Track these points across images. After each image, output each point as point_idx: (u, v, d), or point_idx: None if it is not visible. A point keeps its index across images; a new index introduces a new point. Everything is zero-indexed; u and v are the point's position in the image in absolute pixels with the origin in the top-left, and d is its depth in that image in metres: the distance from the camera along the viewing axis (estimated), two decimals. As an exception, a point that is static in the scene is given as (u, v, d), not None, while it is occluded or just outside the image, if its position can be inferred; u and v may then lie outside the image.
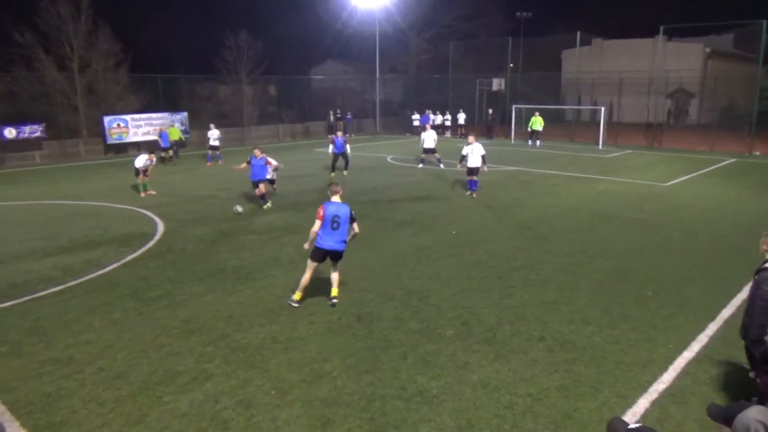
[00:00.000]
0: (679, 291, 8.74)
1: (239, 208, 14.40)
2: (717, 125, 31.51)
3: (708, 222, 13.28)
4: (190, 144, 30.01)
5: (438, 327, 7.44)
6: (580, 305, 8.16)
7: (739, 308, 7.92)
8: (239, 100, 36.16)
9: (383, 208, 14.79)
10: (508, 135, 33.66)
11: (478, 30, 44.60)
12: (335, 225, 7.86)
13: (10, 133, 24.93)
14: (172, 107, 30.36)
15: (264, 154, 14.89)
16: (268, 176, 15.54)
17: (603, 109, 31.27)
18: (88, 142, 28.09)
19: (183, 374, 6.26)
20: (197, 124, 31.90)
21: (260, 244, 11.53)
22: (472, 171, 16.15)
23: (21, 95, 28.66)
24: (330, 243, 7.90)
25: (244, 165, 15.03)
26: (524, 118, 33.95)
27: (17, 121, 25.75)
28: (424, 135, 22.25)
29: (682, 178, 19.66)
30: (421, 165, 22.30)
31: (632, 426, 2.58)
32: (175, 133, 25.95)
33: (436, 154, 21.96)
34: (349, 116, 38.49)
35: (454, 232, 12.27)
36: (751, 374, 5.90)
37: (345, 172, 20.65)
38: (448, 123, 37.09)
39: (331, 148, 20.74)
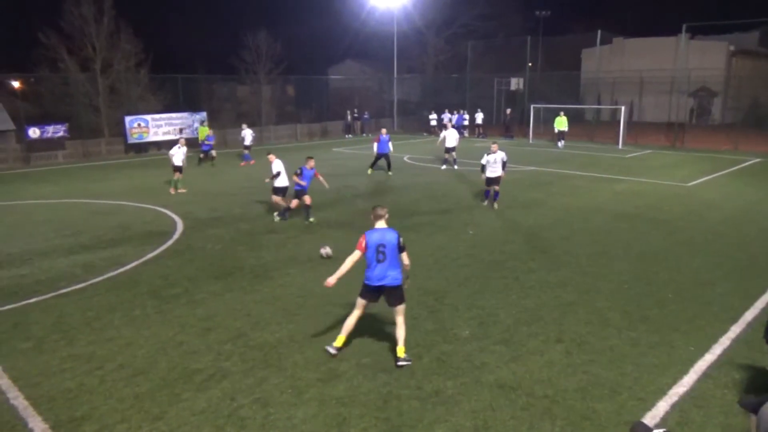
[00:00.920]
0: (700, 293, 8.59)
1: (325, 252, 10.65)
2: (741, 124, 30.94)
3: (731, 223, 13.04)
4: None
5: (454, 327, 7.41)
6: (598, 307, 8.07)
7: (762, 311, 7.78)
8: (257, 100, 36.42)
9: (400, 208, 14.77)
10: (526, 135, 33.41)
11: (496, 29, 44.38)
12: (381, 257, 6.46)
13: (34, 132, 25.41)
14: (192, 107, 30.69)
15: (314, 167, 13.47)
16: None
17: (623, 108, 30.88)
18: (110, 141, 28.52)
19: (201, 372, 6.32)
20: (216, 124, 32.19)
21: (279, 244, 11.59)
22: (492, 181, 14.73)
23: (45, 96, 29.26)
24: (379, 277, 6.49)
25: (295, 177, 13.19)
26: (542, 118, 33.69)
27: (41, 122, 26.27)
28: (445, 133, 21.94)
29: (705, 179, 19.34)
30: (444, 166, 21.88)
31: (656, 431, 2.55)
32: (203, 132, 26.14)
33: (454, 154, 21.76)
34: (366, 116, 38.54)
35: (471, 233, 12.22)
36: (775, 378, 5.79)
37: (390, 173, 20.30)
38: (465, 122, 36.94)
39: (375, 146, 20.38)
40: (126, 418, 5.46)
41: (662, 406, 5.56)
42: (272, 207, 14.17)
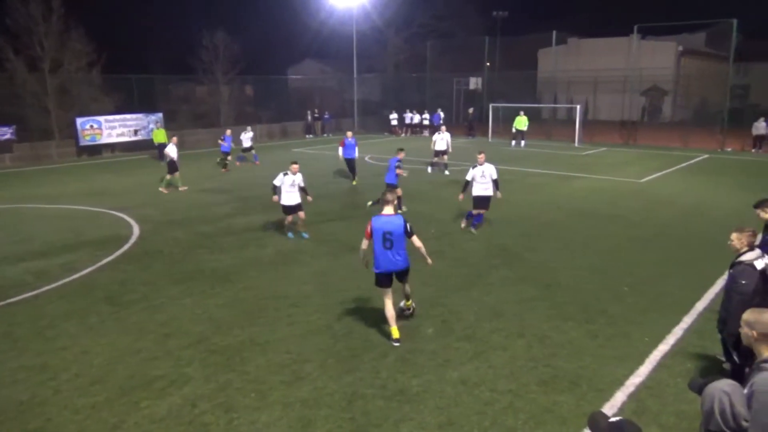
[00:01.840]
0: (655, 286, 8.88)
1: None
2: (690, 122, 32.11)
3: (683, 217, 13.52)
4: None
5: (418, 325, 7.45)
6: (558, 301, 8.25)
7: (713, 301, 8.09)
8: (216, 100, 35.80)
9: (362, 207, 14.76)
10: (485, 133, 33.87)
11: (455, 29, 44.79)
12: (387, 243, 6.72)
13: (-22, 135, 24.36)
14: (147, 108, 29.93)
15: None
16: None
17: (579, 107, 31.67)
18: (61, 144, 27.53)
19: (161, 379, 6.17)
20: (174, 125, 31.50)
21: (240, 246, 11.42)
22: (481, 202, 11.93)
23: (-10, 97, 28.02)
24: (389, 264, 6.84)
25: (399, 171, 13.35)
26: (501, 117, 34.22)
27: (-14, 124, 25.19)
28: (436, 136, 20.75)
29: (657, 175, 19.99)
30: (430, 169, 20.84)
31: (612, 419, 2.62)
32: (161, 135, 25.51)
33: (445, 158, 20.69)
34: (327, 116, 38.37)
35: (433, 231, 12.30)
36: (725, 365, 6.04)
37: (354, 182, 18.61)
38: (426, 122, 37.21)
39: (340, 151, 18.76)
40: (82, 429, 5.28)
41: (620, 397, 5.72)
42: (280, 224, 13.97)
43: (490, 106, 34.13)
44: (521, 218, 13.48)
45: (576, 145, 30.06)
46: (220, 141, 22.78)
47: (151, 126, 28.51)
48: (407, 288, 7.40)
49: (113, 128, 27.98)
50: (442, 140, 20.48)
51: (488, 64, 40.16)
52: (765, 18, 54.66)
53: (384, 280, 6.97)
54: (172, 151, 17.77)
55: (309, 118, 37.34)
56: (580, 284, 8.97)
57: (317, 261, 10.32)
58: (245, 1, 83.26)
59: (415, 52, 44.49)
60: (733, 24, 27.71)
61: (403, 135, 37.26)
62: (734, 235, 5.62)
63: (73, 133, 27.27)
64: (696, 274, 9.38)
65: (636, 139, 31.11)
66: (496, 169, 12.20)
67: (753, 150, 26.81)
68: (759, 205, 6.92)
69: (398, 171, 13.68)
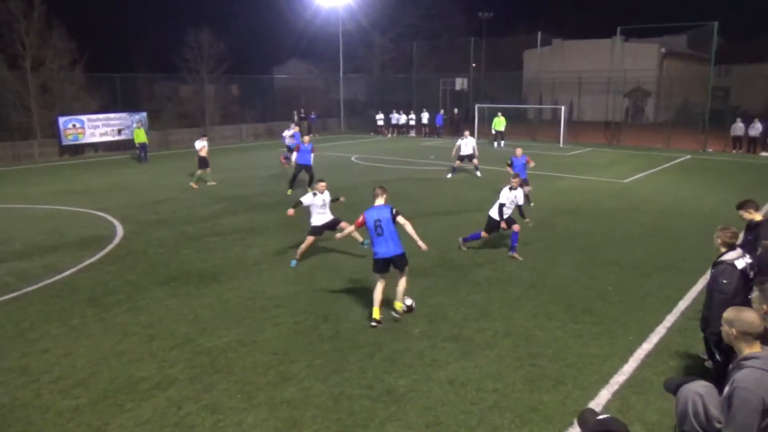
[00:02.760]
0: (639, 285, 8.97)
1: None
2: (672, 123, 32.51)
3: (665, 217, 13.68)
4: (150, 145, 29.32)
5: (405, 325, 7.46)
6: (544, 300, 8.30)
7: (695, 300, 8.19)
8: (201, 99, 35.53)
9: (348, 207, 14.71)
10: (471, 134, 33.92)
11: (440, 30, 44.91)
12: (379, 231, 7.42)
13: (-42, 134, 23.95)
14: (131, 107, 29.62)
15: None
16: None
17: (563, 108, 31.91)
18: (43, 143, 27.14)
19: (145, 380, 6.11)
20: (158, 125, 31.21)
21: (225, 246, 11.35)
22: (496, 226, 10.68)
23: (-31, 95, 27.54)
24: (382, 250, 7.47)
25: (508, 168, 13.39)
26: (487, 118, 34.37)
27: (-34, 123, 24.78)
28: (461, 141, 19.61)
29: (640, 175, 20.21)
30: (450, 175, 19.70)
31: (601, 417, 2.66)
32: (141, 135, 25.29)
33: (475, 161, 19.79)
34: (313, 116, 38.26)
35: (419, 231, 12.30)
36: (708, 363, 6.12)
37: (309, 189, 15.61)
38: (412, 123, 37.27)
39: (295, 157, 16.86)
40: (65, 433, 5.21)
41: (604, 395, 5.77)
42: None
43: (476, 106, 34.27)
44: (507, 218, 13.53)
45: (560, 145, 30.29)
46: (288, 137, 22.52)
47: (135, 125, 28.22)
48: (403, 280, 7.59)
49: (96, 127, 27.65)
50: (467, 145, 19.60)
51: (474, 64, 40.33)
52: (745, 21, 55.61)
53: (381, 265, 7.53)
54: (201, 146, 18.41)
55: (295, 118, 37.19)
56: (565, 284, 9.04)
57: (304, 261, 10.28)
58: (230, 0, 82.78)
59: (401, 52, 44.57)
60: (714, 26, 28.10)
61: (389, 135, 37.28)
62: (717, 234, 5.71)
63: (55, 133, 26.91)
64: (679, 273, 9.49)
65: (620, 140, 31.42)
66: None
67: (733, 151, 27.23)
68: (741, 206, 7.00)
69: (508, 168, 14.36)
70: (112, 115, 28.36)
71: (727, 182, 18.65)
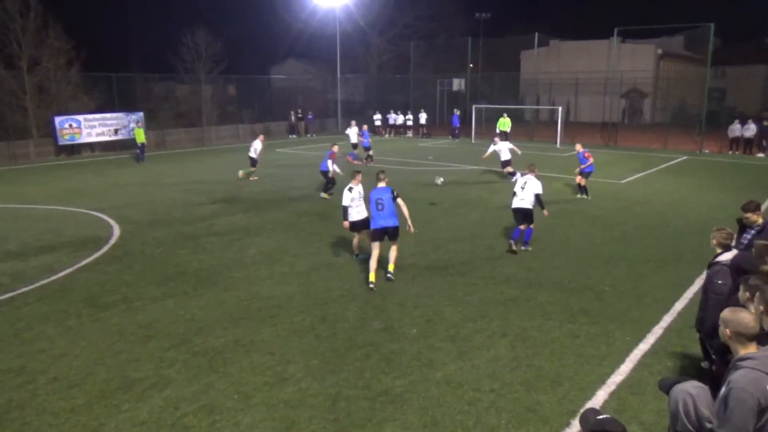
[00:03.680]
0: (635, 285, 8.99)
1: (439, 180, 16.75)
2: (669, 124, 32.59)
3: (662, 218, 13.72)
4: (147, 145, 29.27)
5: (402, 326, 7.46)
6: (540, 301, 8.31)
7: (691, 300, 8.21)
8: (197, 99, 35.46)
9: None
10: (468, 134, 34.03)
11: (438, 30, 44.97)
12: (379, 207, 8.91)
13: (-46, 134, 23.86)
14: (127, 107, 29.55)
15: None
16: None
17: (560, 108, 31.96)
18: (39, 143, 27.06)
19: (141, 381, 6.10)
20: (155, 125, 31.15)
21: (222, 246, 11.33)
22: (523, 215, 10.73)
23: (-35, 95, 27.45)
24: (381, 222, 8.93)
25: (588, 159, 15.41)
26: (484, 118, 34.40)
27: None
28: (497, 147, 18.79)
29: (637, 176, 20.25)
30: (514, 178, 17.26)
31: (600, 417, 2.67)
32: (141, 135, 25.30)
33: (510, 167, 18.86)
34: (310, 116, 38.24)
35: (417, 231, 12.31)
36: (704, 364, 6.14)
37: (324, 193, 16.16)
38: (410, 123, 37.27)
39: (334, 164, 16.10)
40: (61, 433, 5.20)
41: (601, 395, 5.78)
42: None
43: (473, 107, 34.29)
44: (503, 219, 13.54)
45: (558, 146, 30.32)
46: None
47: (132, 125, 28.17)
48: (394, 248, 9.13)
49: (93, 127, 27.56)
50: (503, 150, 18.82)
51: (471, 65, 40.37)
52: (741, 22, 55.84)
53: (377, 234, 9.00)
54: (257, 146, 19.62)
55: (292, 118, 37.18)
56: (562, 284, 9.05)
57: (300, 261, 10.28)
58: (228, 0, 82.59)
59: (398, 52, 44.61)
60: (711, 28, 28.17)
61: (386, 136, 37.27)
62: (713, 235, 5.72)
63: (51, 132, 26.81)
64: (675, 273, 9.52)
65: (616, 141, 31.48)
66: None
67: (730, 152, 27.31)
68: (747, 208, 6.75)
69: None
70: (108, 115, 28.27)
71: (724, 183, 18.70)
